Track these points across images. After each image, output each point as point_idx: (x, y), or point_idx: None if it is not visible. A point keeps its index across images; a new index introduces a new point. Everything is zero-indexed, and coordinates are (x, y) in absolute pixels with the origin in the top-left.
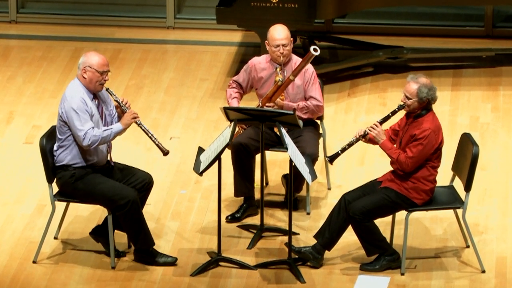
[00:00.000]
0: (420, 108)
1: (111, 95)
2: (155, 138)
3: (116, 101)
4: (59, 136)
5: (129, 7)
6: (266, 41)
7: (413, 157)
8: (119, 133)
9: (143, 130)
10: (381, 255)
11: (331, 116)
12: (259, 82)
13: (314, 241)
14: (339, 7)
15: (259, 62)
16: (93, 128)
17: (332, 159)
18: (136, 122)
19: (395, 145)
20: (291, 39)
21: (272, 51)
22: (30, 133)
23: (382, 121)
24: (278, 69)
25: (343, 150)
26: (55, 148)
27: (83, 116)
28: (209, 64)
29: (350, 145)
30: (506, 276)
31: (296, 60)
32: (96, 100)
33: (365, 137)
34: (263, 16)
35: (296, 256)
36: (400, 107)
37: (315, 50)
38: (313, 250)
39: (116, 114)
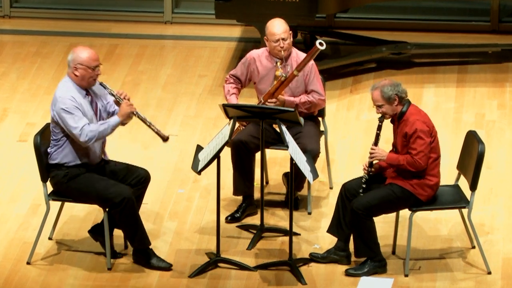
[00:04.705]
0: (397, 108)
1: (105, 88)
2: (154, 125)
3: (111, 94)
4: (53, 137)
5: (126, 1)
6: (265, 37)
7: (419, 152)
8: (116, 125)
9: (141, 119)
10: (369, 259)
11: (333, 113)
12: (258, 76)
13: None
14: (341, 1)
15: (258, 55)
16: (88, 124)
17: None
18: (132, 112)
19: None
20: (290, 32)
21: (272, 46)
22: (24, 130)
23: (375, 143)
24: (278, 63)
25: (363, 189)
26: (50, 147)
27: (75, 113)
28: (207, 60)
29: (366, 182)
30: None
31: (296, 53)
32: (89, 96)
33: (373, 167)
34: (263, 10)
35: (323, 261)
36: (381, 119)
37: (320, 44)
38: (336, 249)
39: (115, 107)
